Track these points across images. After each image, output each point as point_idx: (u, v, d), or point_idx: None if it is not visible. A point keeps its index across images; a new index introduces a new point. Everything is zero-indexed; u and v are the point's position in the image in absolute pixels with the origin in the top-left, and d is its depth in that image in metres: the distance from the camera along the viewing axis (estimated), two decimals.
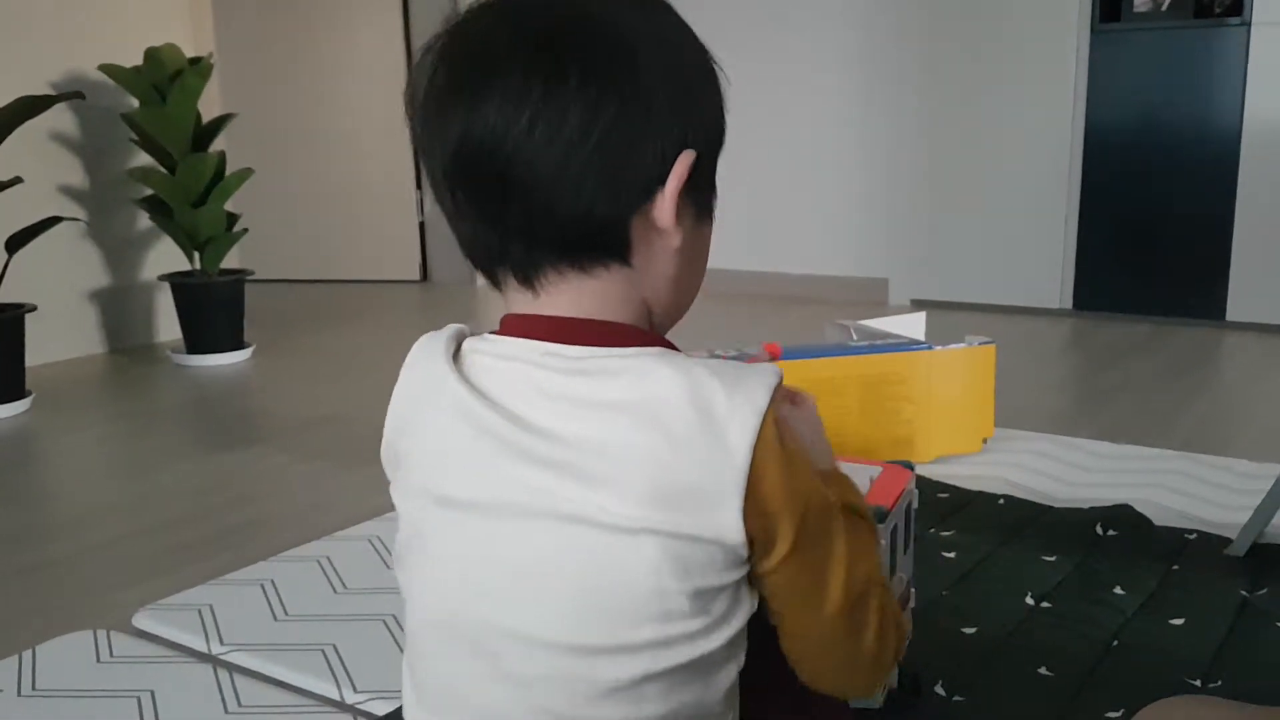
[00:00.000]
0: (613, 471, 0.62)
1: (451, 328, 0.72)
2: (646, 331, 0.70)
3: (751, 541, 0.63)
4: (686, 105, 0.67)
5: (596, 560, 0.62)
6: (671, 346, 0.69)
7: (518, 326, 0.68)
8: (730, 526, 0.62)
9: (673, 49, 0.67)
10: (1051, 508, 1.79)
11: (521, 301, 0.69)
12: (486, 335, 0.70)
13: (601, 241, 0.67)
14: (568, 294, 0.68)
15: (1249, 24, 3.36)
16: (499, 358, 0.68)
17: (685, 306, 0.74)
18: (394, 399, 0.73)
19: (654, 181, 0.66)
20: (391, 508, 0.73)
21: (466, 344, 0.70)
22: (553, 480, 0.63)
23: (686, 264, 0.71)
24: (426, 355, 0.71)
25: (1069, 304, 3.73)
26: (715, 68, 0.70)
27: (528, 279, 0.68)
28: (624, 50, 0.64)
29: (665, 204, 0.66)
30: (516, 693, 0.65)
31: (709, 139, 0.69)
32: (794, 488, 0.64)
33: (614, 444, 0.62)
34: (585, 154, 0.63)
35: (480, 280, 4.90)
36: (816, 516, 0.66)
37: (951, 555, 1.59)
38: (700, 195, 0.70)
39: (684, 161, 0.66)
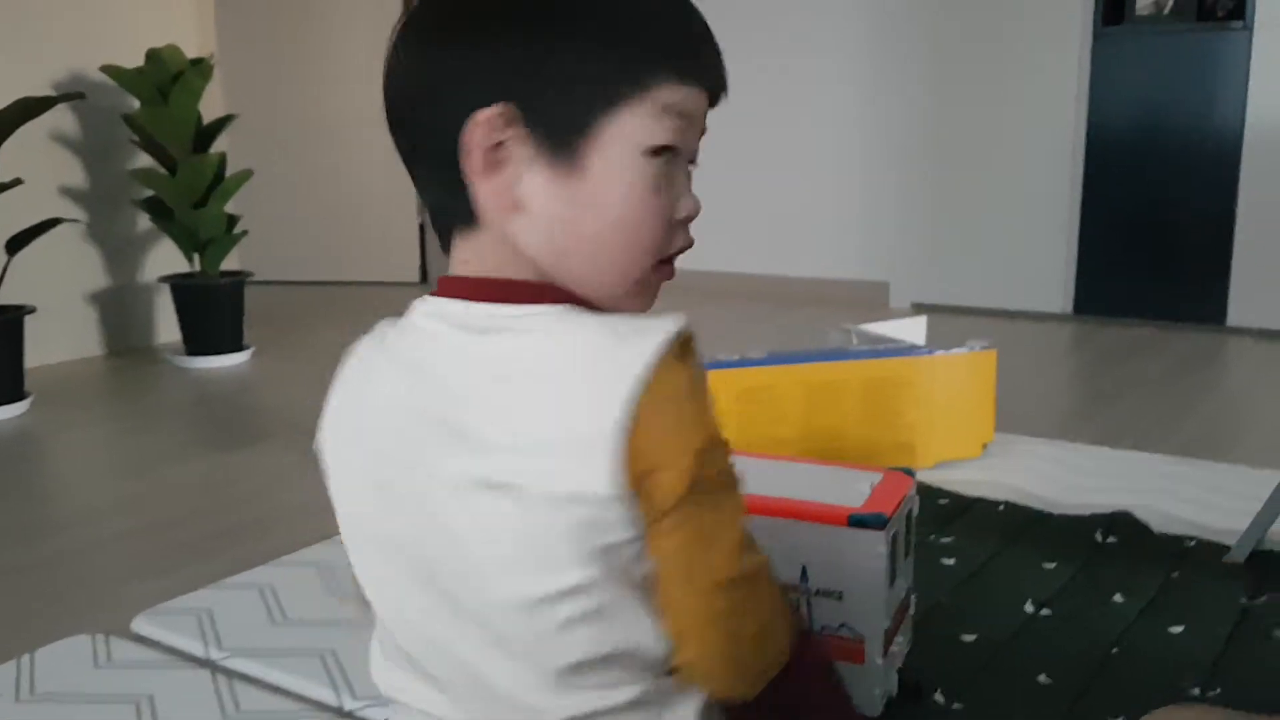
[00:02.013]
0: (511, 429, 0.64)
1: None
2: (549, 287, 0.69)
3: (637, 497, 0.64)
4: (482, 60, 0.66)
5: (504, 520, 0.64)
6: (581, 303, 0.69)
7: (441, 286, 0.73)
8: (604, 478, 0.62)
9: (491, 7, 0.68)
10: (1051, 514, 1.79)
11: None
12: (425, 296, 0.74)
13: (451, 203, 0.70)
14: (466, 253, 0.72)
15: (1251, 27, 3.36)
16: (425, 316, 0.73)
17: (606, 268, 0.69)
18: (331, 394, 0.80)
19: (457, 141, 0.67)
20: None
21: (413, 306, 0.75)
22: (464, 445, 0.66)
23: (573, 229, 0.68)
24: (363, 347, 0.80)
25: (1070, 308, 3.73)
26: (561, 11, 0.67)
27: (440, 239, 0.74)
28: (442, 10, 0.70)
29: (470, 161, 0.67)
30: (475, 630, 0.69)
31: (527, 93, 0.66)
32: (682, 443, 0.64)
33: (510, 403, 0.65)
34: (420, 113, 0.69)
35: None
36: (711, 480, 0.65)
37: (951, 562, 1.59)
38: (546, 145, 0.67)
39: (473, 126, 0.66)
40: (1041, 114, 3.70)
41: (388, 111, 0.72)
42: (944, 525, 1.74)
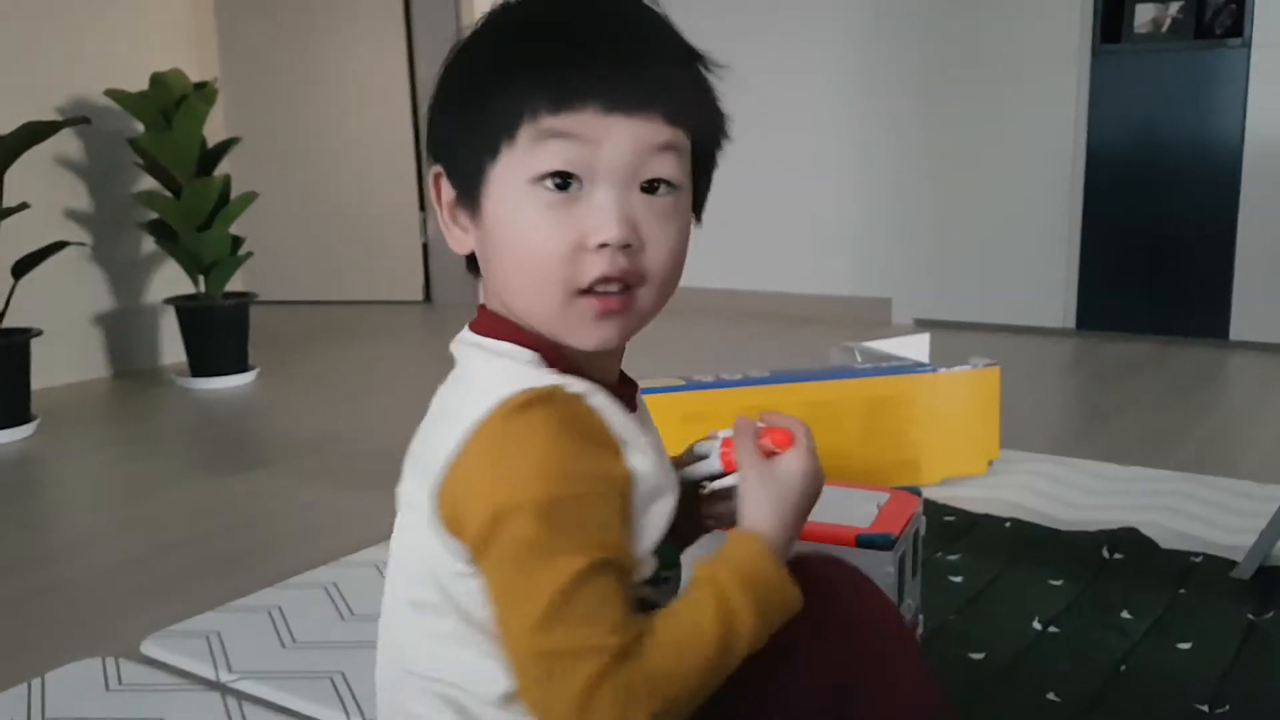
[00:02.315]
0: (417, 458, 0.73)
1: None
2: (501, 320, 0.75)
3: (459, 540, 0.69)
4: (434, 130, 0.77)
5: (404, 534, 0.74)
6: (513, 338, 0.74)
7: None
8: (433, 516, 0.69)
9: (444, 72, 0.76)
10: (1058, 531, 1.79)
11: None
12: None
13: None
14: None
15: (1249, 45, 3.37)
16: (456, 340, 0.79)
17: (525, 302, 0.73)
18: None
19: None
20: None
21: None
22: (408, 468, 0.75)
23: (493, 269, 0.74)
24: None
25: (1072, 323, 3.74)
26: (446, 86, 0.75)
27: None
28: None
29: (438, 213, 0.77)
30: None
31: (445, 157, 0.76)
32: (481, 500, 0.66)
33: (426, 434, 0.74)
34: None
35: (483, 301, 4.91)
36: (511, 545, 0.65)
37: (958, 579, 1.59)
38: (463, 199, 0.75)
39: (433, 180, 0.77)
40: (1041, 130, 3.72)
41: None
42: (950, 543, 1.74)
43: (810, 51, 4.15)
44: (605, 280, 0.69)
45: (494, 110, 0.69)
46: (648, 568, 0.72)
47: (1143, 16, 3.57)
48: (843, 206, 4.18)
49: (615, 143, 0.68)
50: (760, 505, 0.73)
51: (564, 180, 0.68)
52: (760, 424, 0.77)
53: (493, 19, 0.73)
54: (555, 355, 0.73)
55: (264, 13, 4.59)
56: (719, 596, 0.67)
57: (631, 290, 0.71)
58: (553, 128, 0.68)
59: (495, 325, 0.75)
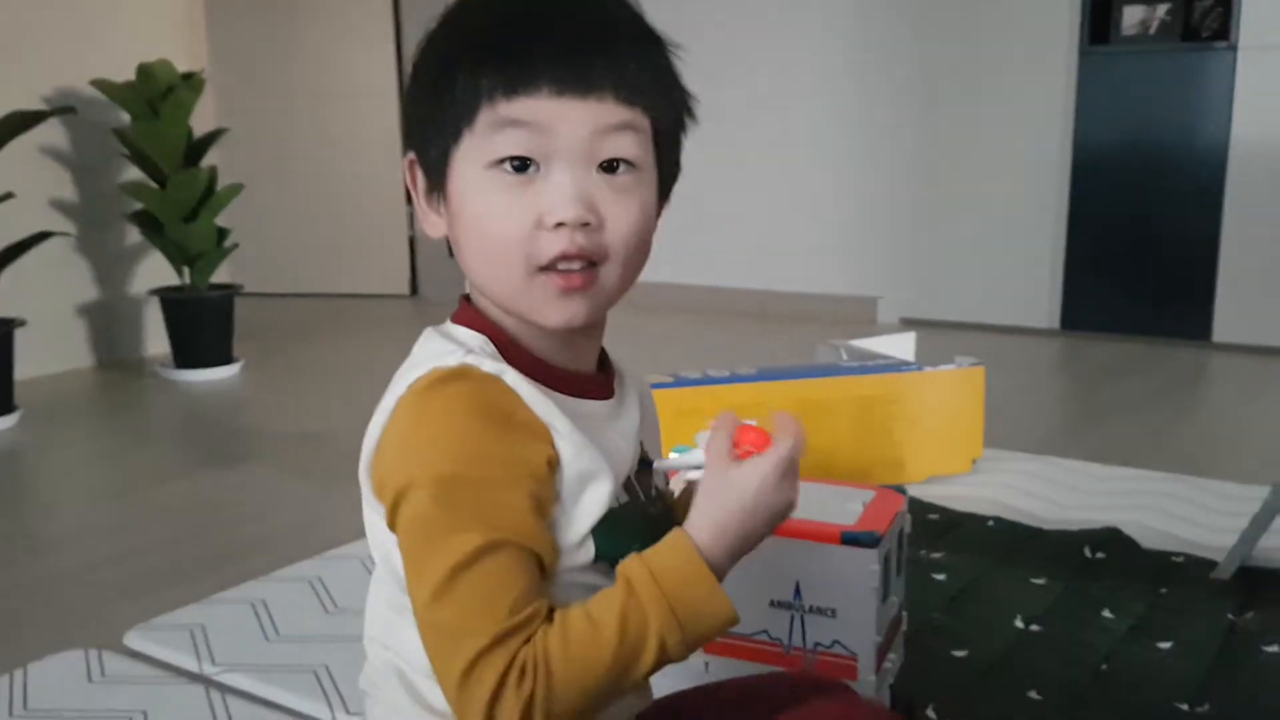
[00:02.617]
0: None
1: None
2: (469, 308, 0.77)
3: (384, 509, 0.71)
4: (406, 119, 0.78)
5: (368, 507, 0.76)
6: (471, 323, 0.75)
7: None
8: (365, 478, 0.73)
9: (414, 62, 0.76)
10: (1041, 530, 1.80)
11: None
12: None
13: None
14: None
15: (1236, 48, 3.39)
16: None
17: (488, 281, 0.74)
18: None
19: None
20: None
21: None
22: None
23: (459, 250, 0.76)
24: None
25: (1057, 323, 3.76)
26: (416, 74, 0.75)
27: None
28: None
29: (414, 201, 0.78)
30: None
31: (416, 144, 0.76)
32: (395, 471, 0.69)
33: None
34: None
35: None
36: (412, 519, 0.68)
37: (942, 577, 1.60)
38: (430, 183, 0.76)
39: (408, 167, 0.77)
40: (1028, 131, 3.73)
41: None
42: (934, 541, 1.75)
43: (799, 51, 4.15)
44: (565, 258, 0.70)
45: (454, 97, 0.71)
46: (585, 553, 0.72)
47: (1131, 18, 3.58)
48: (830, 205, 4.19)
49: (569, 126, 0.69)
50: (706, 506, 0.71)
51: (522, 163, 0.70)
52: (746, 422, 0.76)
53: (459, 7, 0.75)
54: (507, 341, 0.74)
55: (252, 4, 4.58)
56: (627, 593, 0.67)
57: (595, 267, 0.72)
58: (508, 115, 0.69)
59: (462, 313, 0.77)
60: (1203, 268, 3.51)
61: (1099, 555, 1.68)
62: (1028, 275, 3.79)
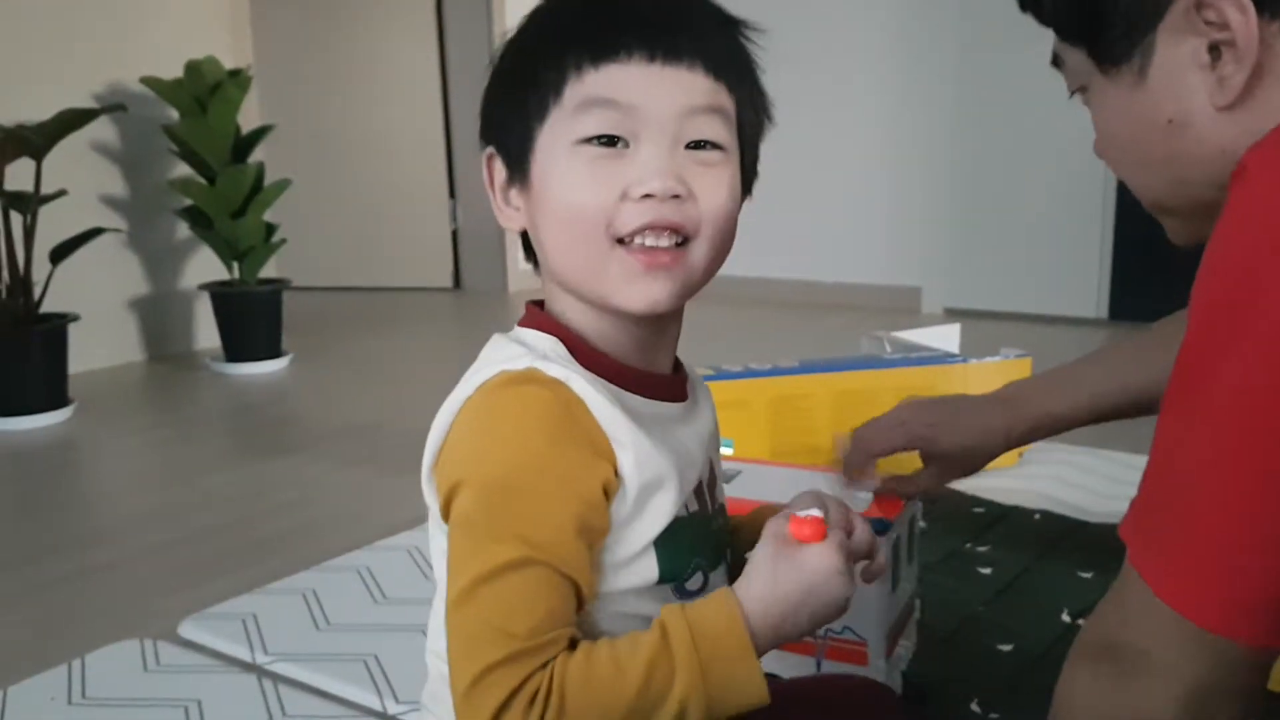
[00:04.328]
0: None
1: None
2: (538, 313, 0.76)
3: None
4: (486, 115, 0.76)
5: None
6: (540, 326, 0.74)
7: None
8: (426, 480, 0.71)
9: (496, 60, 0.76)
10: (1087, 523, 1.79)
11: None
12: None
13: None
14: None
15: None
16: None
17: (565, 255, 0.72)
18: None
19: None
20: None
21: None
22: None
23: (539, 235, 0.74)
24: None
25: (1105, 313, 3.71)
26: (498, 70, 0.75)
27: None
28: None
29: (491, 196, 0.77)
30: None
31: (496, 135, 0.75)
32: (452, 470, 0.68)
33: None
34: None
35: (512, 287, 4.96)
36: (461, 518, 0.67)
37: (988, 571, 1.59)
38: (514, 172, 0.74)
39: (486, 162, 0.76)
40: (1074, 118, 3.67)
41: None
42: (980, 534, 1.74)
43: (843, 38, 4.13)
44: (652, 229, 0.68)
45: (539, 73, 0.70)
46: (645, 570, 0.70)
47: None
48: (873, 193, 4.16)
49: (657, 102, 0.68)
50: (758, 577, 0.67)
51: (610, 139, 0.68)
52: (806, 512, 0.70)
53: (537, 7, 0.75)
54: (579, 343, 0.72)
55: (298, 1, 4.62)
56: (661, 644, 0.64)
57: (683, 246, 0.70)
58: (595, 93, 0.68)
59: (530, 317, 0.76)
60: None
61: None
62: (1075, 264, 3.75)
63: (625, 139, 0.68)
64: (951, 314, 3.88)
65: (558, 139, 0.69)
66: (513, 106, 0.72)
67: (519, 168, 0.73)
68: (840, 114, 4.16)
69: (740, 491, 1.19)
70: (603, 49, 0.68)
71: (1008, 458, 2.09)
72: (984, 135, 3.86)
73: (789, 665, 1.10)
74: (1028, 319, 3.81)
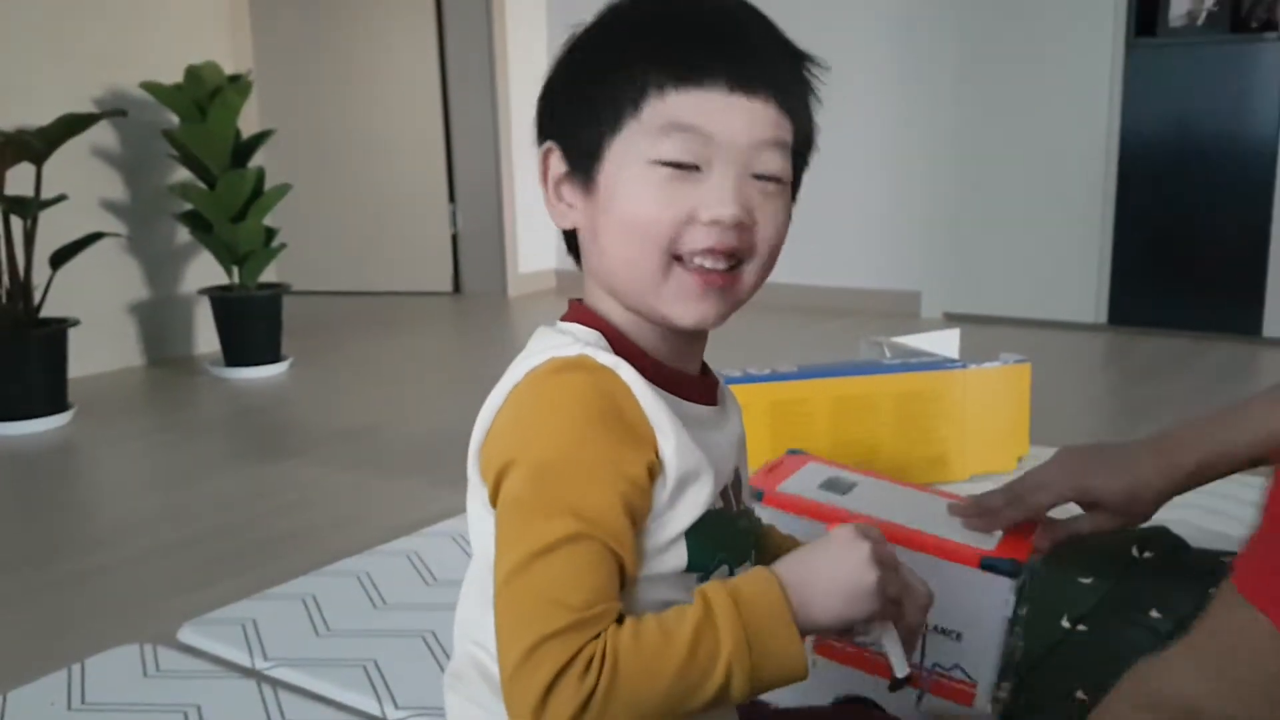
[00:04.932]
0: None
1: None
2: (581, 308, 0.78)
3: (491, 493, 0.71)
4: (550, 108, 0.77)
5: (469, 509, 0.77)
6: (583, 320, 0.76)
7: None
8: (472, 463, 0.72)
9: (564, 53, 0.77)
10: None
11: None
12: None
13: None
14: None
15: None
16: None
17: (621, 266, 0.74)
18: None
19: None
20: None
21: None
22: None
23: (597, 239, 0.75)
24: None
25: (1104, 319, 3.72)
26: (566, 66, 0.76)
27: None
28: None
29: (543, 187, 0.77)
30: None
31: (561, 132, 0.76)
32: (501, 451, 0.69)
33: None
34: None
35: (511, 291, 4.96)
36: (511, 498, 0.68)
37: None
38: (577, 171, 0.75)
39: (539, 160, 0.77)
40: (1074, 124, 3.69)
41: None
42: None
43: (843, 43, 4.13)
44: (710, 253, 0.71)
45: (618, 83, 0.71)
46: (675, 558, 0.71)
47: (1178, 9, 3.53)
48: (872, 198, 4.17)
49: (734, 130, 0.71)
50: (793, 557, 0.71)
51: (683, 166, 0.71)
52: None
53: (613, 7, 0.76)
54: (620, 339, 0.75)
55: (298, 6, 4.63)
56: (705, 613, 0.66)
57: (738, 268, 0.73)
58: (676, 118, 0.70)
59: (573, 312, 0.78)
60: (1253, 262, 3.46)
61: (1146, 554, 1.67)
62: (1074, 270, 3.75)
63: (699, 166, 0.71)
64: (951, 319, 3.88)
65: (631, 153, 0.71)
66: (583, 109, 0.73)
67: (583, 169, 0.74)
68: (840, 119, 4.15)
69: (857, 505, 1.11)
70: (687, 73, 0.70)
71: (1006, 464, 2.09)
72: (984, 140, 3.86)
73: (892, 705, 1.06)
74: (1027, 324, 3.82)
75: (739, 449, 0.81)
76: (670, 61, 0.70)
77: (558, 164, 0.76)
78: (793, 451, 1.29)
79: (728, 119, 0.70)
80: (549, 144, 0.76)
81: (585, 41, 0.76)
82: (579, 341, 0.72)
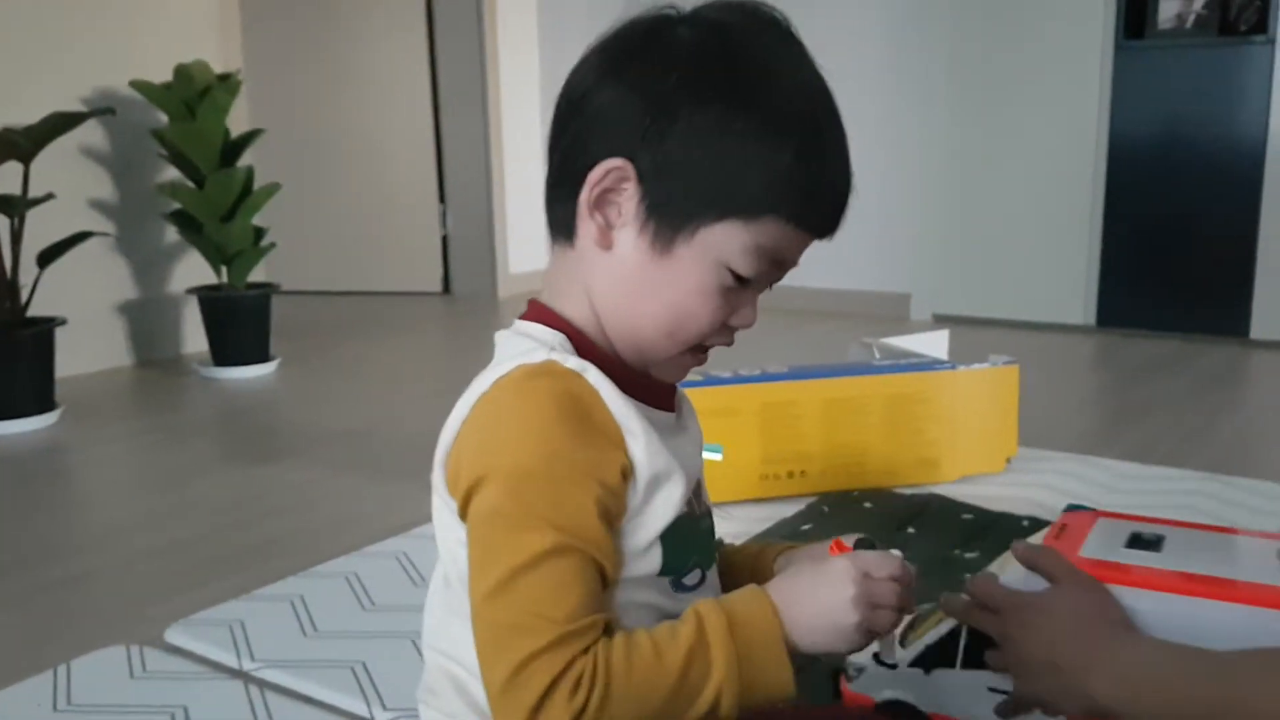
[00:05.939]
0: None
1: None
2: (541, 308, 0.77)
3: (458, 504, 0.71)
4: (643, 125, 0.70)
5: (434, 517, 0.76)
6: (545, 321, 0.75)
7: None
8: (439, 472, 0.72)
9: (663, 70, 0.71)
10: None
11: None
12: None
13: (558, 213, 0.75)
14: (551, 270, 0.78)
15: (1274, 41, 3.35)
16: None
17: (636, 338, 0.75)
18: None
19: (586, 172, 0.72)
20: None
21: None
22: None
23: (635, 289, 0.73)
24: None
25: (1093, 320, 3.73)
26: (686, 119, 0.70)
27: (550, 244, 0.79)
28: (637, 57, 0.72)
29: (582, 194, 0.72)
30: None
31: (659, 169, 0.71)
32: (470, 464, 0.68)
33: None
34: (576, 126, 0.73)
35: (501, 292, 4.95)
36: (482, 513, 0.67)
37: None
38: (652, 219, 0.72)
39: (600, 168, 0.71)
40: (1063, 126, 3.70)
41: (556, 108, 0.76)
42: (969, 540, 1.74)
43: (833, 45, 4.12)
44: (719, 345, 0.78)
45: (748, 185, 0.71)
46: (650, 561, 0.71)
47: (1167, 12, 3.54)
48: (862, 200, 4.13)
49: (792, 264, 0.77)
50: (787, 576, 0.72)
51: (744, 280, 0.74)
52: (850, 537, 0.78)
53: (770, 85, 0.75)
54: (583, 342, 0.74)
55: (288, 5, 4.62)
56: (698, 633, 0.66)
57: None
58: (771, 246, 0.72)
59: (534, 311, 0.77)
60: (1240, 264, 3.48)
61: None
62: (1062, 271, 3.76)
63: (754, 281, 0.74)
64: (940, 320, 3.88)
65: (717, 247, 0.72)
66: (689, 172, 0.71)
67: (663, 225, 0.72)
68: None
69: (1175, 563, 0.97)
70: (807, 226, 0.74)
71: (995, 465, 2.10)
72: (973, 142, 3.87)
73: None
74: (1016, 326, 3.82)
75: (699, 452, 0.82)
76: (804, 213, 0.73)
77: (624, 184, 0.71)
78: (1073, 507, 1.20)
79: (795, 257, 0.76)
80: (622, 162, 0.71)
81: (734, 105, 0.71)
82: (544, 346, 0.72)
